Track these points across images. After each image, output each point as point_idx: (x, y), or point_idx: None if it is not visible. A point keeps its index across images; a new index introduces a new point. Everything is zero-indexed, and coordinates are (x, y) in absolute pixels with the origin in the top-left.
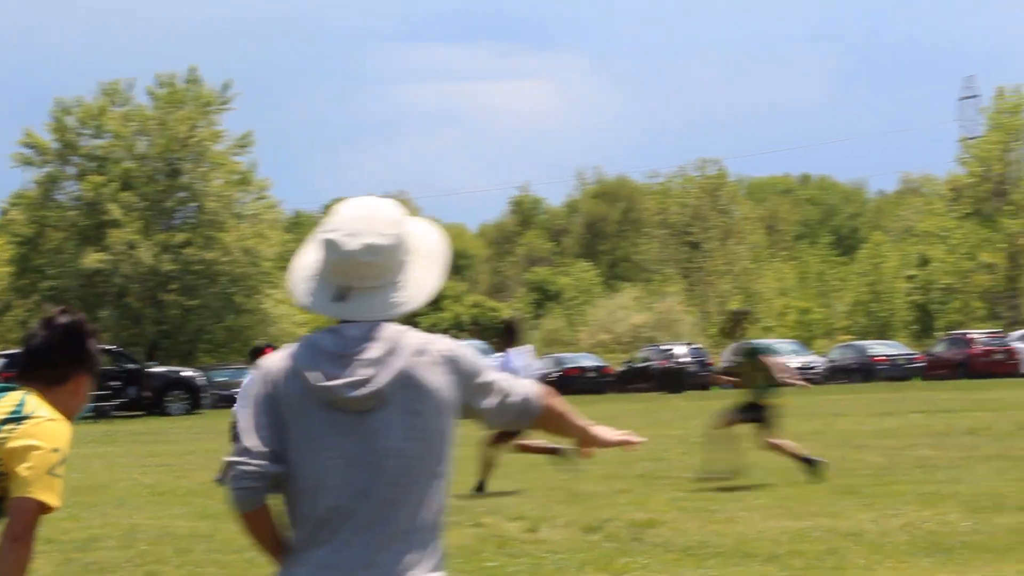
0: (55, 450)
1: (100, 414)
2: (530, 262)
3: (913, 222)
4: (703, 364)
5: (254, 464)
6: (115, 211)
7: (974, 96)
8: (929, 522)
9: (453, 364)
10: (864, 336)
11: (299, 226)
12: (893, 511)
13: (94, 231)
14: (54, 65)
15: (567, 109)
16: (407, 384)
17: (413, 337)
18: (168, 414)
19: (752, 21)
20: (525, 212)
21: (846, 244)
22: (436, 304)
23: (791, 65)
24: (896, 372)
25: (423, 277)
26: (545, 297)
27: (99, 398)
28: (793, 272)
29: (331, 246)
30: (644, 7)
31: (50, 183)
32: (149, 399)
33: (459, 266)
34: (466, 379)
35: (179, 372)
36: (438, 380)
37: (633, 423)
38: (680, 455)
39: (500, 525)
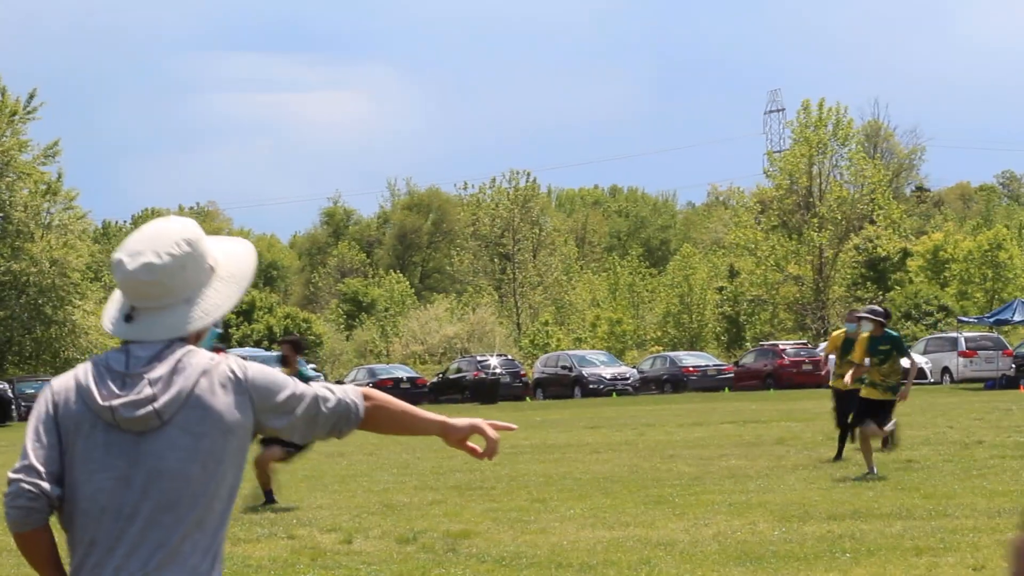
0: None
1: None
2: (342, 273)
3: (722, 234)
4: (516, 375)
5: (31, 483)
6: None
7: (779, 110)
8: (740, 531)
9: (241, 384)
10: (675, 347)
11: (108, 237)
12: (704, 520)
13: None
14: None
15: (378, 120)
16: (189, 404)
17: (201, 357)
18: None
19: (562, 34)
20: (337, 223)
21: (656, 256)
22: (248, 316)
23: (601, 78)
24: (706, 383)
25: (215, 297)
26: (358, 308)
27: None
28: (604, 284)
29: (116, 266)
30: (455, 19)
31: None
32: None
33: (271, 277)
34: (258, 399)
35: None
36: (224, 401)
37: None
38: (493, 466)
39: (314, 536)
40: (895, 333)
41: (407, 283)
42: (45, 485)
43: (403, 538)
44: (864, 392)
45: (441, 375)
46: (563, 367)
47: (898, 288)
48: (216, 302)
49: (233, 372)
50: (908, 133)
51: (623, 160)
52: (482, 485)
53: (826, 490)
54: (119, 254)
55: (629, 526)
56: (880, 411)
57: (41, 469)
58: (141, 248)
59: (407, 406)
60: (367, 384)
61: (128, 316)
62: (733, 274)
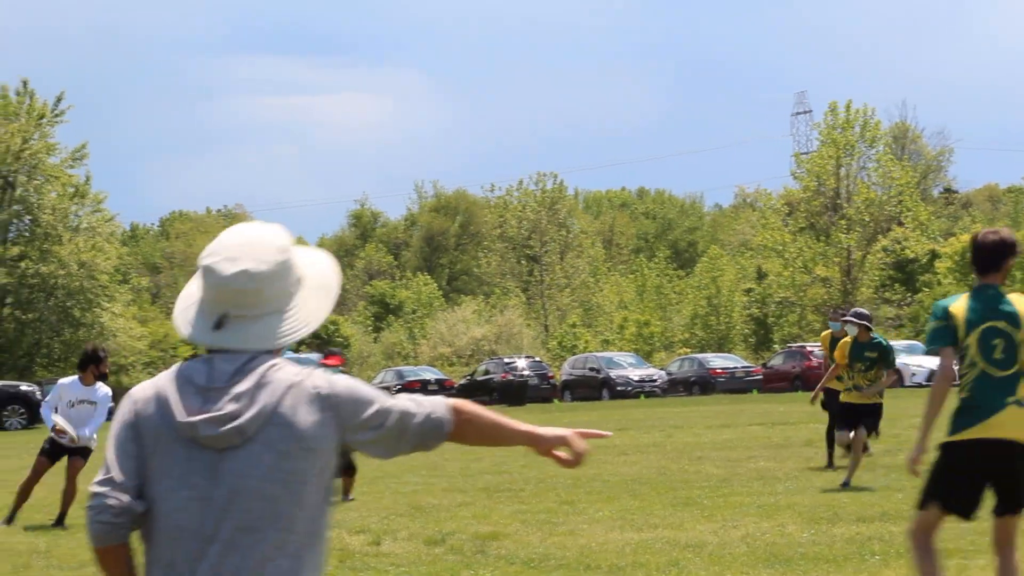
0: None
1: None
2: (370, 276)
3: (749, 236)
4: (544, 377)
5: (116, 497)
6: None
7: (807, 111)
8: (768, 533)
9: (328, 401)
10: (703, 349)
11: (136, 239)
12: (733, 522)
13: None
14: None
15: (405, 122)
16: (273, 422)
17: (287, 372)
18: (5, 429)
19: (590, 35)
20: (364, 226)
21: (684, 258)
22: None
23: (628, 79)
24: (734, 385)
25: (310, 307)
26: (385, 310)
27: None
28: (632, 285)
29: (208, 272)
30: (482, 22)
31: None
32: None
33: None
34: (344, 415)
35: (16, 387)
36: (308, 418)
37: None
38: (522, 468)
39: (343, 538)
40: (885, 342)
41: (435, 285)
42: (129, 500)
43: (432, 540)
44: (845, 396)
45: (469, 377)
46: (591, 369)
47: (926, 290)
48: (310, 312)
49: (318, 388)
50: (936, 135)
51: (650, 162)
52: (511, 487)
53: (855, 492)
54: (212, 259)
55: (657, 528)
56: (869, 416)
57: (125, 482)
58: (238, 254)
59: (496, 417)
60: (395, 387)
61: (218, 324)
62: (761, 276)
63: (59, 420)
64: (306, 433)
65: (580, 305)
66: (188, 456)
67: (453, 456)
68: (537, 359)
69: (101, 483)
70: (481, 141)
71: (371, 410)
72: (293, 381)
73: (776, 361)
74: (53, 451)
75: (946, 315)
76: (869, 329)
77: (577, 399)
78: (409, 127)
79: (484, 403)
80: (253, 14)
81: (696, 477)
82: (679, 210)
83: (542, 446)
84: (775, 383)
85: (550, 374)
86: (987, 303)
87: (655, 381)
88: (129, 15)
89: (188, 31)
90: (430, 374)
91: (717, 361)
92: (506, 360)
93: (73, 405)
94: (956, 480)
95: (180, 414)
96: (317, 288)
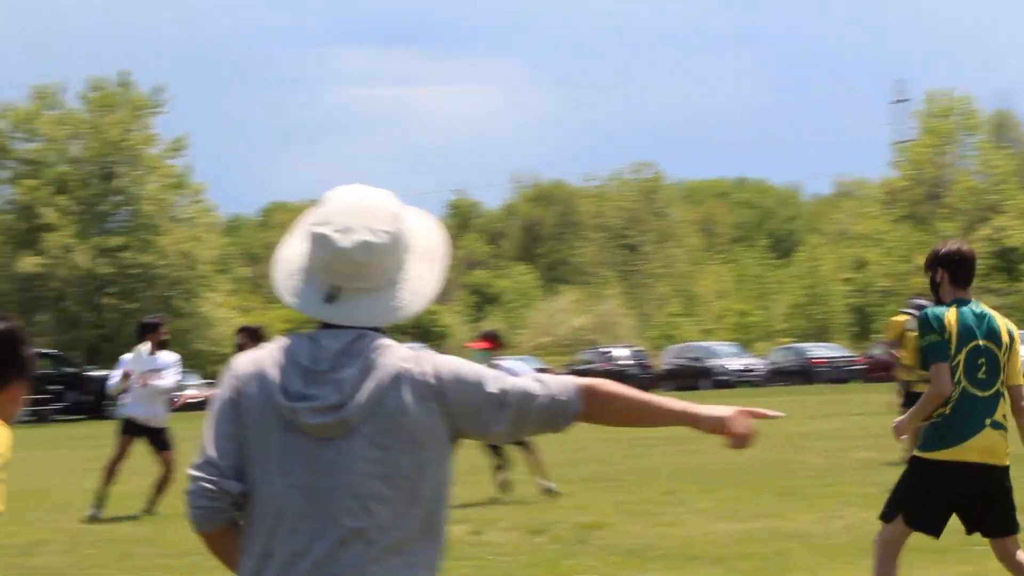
0: None
1: (40, 418)
2: (468, 265)
3: (848, 225)
4: (644, 366)
5: (212, 481)
6: (50, 215)
7: (905, 100)
8: (871, 523)
9: (436, 389)
10: (803, 338)
11: (236, 229)
12: (836, 512)
13: (29, 235)
14: None
15: (503, 112)
16: (378, 413)
17: (395, 355)
18: (108, 418)
19: (687, 24)
20: (462, 215)
21: (783, 247)
22: None
23: (726, 67)
24: (836, 374)
25: (422, 278)
26: (484, 300)
27: (39, 402)
28: (731, 275)
29: (322, 241)
30: (578, 11)
31: None
32: (89, 403)
33: None
34: (455, 404)
35: None
36: (416, 409)
37: (581, 426)
38: (624, 458)
39: None
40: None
41: (533, 274)
42: (226, 483)
43: (533, 529)
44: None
45: (569, 367)
46: (691, 358)
47: None
48: (423, 283)
49: (425, 375)
50: None
51: (749, 150)
52: (612, 477)
53: None
54: (325, 228)
55: (760, 518)
56: None
57: (222, 464)
58: (352, 223)
59: (643, 396)
60: None
61: (330, 296)
62: (860, 265)
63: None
64: (412, 425)
65: (679, 294)
66: (287, 442)
67: (555, 448)
68: (638, 348)
69: (198, 466)
70: (579, 131)
71: (483, 396)
72: (400, 368)
73: (878, 350)
74: (130, 428)
75: (943, 329)
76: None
77: (677, 389)
78: (508, 116)
79: None
80: (354, 5)
81: (799, 467)
82: (777, 199)
83: (700, 427)
84: (877, 372)
85: (650, 363)
86: (973, 320)
87: (755, 371)
88: (229, 6)
89: (292, 22)
90: (531, 364)
91: (818, 350)
92: (603, 350)
93: (144, 384)
94: (926, 499)
95: (282, 397)
96: (427, 258)
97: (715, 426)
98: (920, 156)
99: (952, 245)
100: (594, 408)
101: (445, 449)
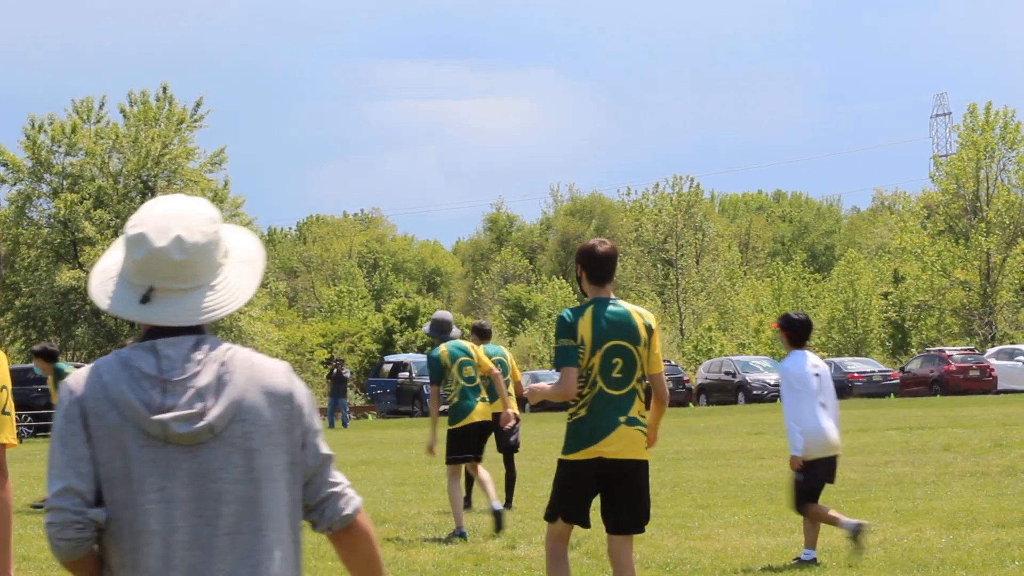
0: (2, 388)
1: None
2: (505, 279)
3: (887, 239)
4: (679, 381)
5: (77, 511)
6: (89, 229)
7: (946, 113)
8: (906, 539)
9: (286, 400)
10: (840, 353)
11: (273, 243)
12: (870, 528)
13: (68, 249)
14: (26, 83)
15: (541, 127)
16: (240, 417)
17: (243, 359)
18: None
19: (726, 39)
20: (500, 229)
21: (820, 261)
22: (412, 321)
23: (765, 82)
24: (872, 389)
25: (239, 281)
26: (521, 314)
27: None
28: (768, 289)
29: (139, 242)
30: (616, 25)
31: (23, 201)
32: None
33: (434, 283)
34: (297, 423)
35: None
36: (272, 414)
37: None
38: (657, 472)
39: (478, 542)
40: None
41: (570, 289)
42: (93, 512)
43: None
44: None
45: None
46: (727, 373)
47: None
48: (239, 286)
49: (280, 384)
50: None
51: (787, 165)
52: None
53: (994, 497)
54: (141, 228)
55: (793, 532)
56: None
57: (83, 489)
58: (170, 224)
59: (379, 563)
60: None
61: (145, 297)
62: (898, 279)
63: None
64: (272, 428)
65: (716, 309)
66: (151, 456)
67: None
68: (672, 362)
69: (58, 495)
70: (617, 144)
71: (316, 429)
72: (254, 372)
73: (914, 365)
74: None
75: (574, 334)
76: None
77: (712, 403)
78: (545, 130)
79: None
80: (392, 19)
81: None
82: (816, 213)
83: None
84: (913, 387)
85: (686, 378)
86: (609, 319)
87: None
88: (269, 20)
89: (329, 36)
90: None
91: (854, 365)
92: None
93: None
94: (574, 495)
95: (143, 410)
96: (244, 263)
97: None
98: (960, 170)
99: (589, 243)
100: (352, 532)
101: (299, 453)
